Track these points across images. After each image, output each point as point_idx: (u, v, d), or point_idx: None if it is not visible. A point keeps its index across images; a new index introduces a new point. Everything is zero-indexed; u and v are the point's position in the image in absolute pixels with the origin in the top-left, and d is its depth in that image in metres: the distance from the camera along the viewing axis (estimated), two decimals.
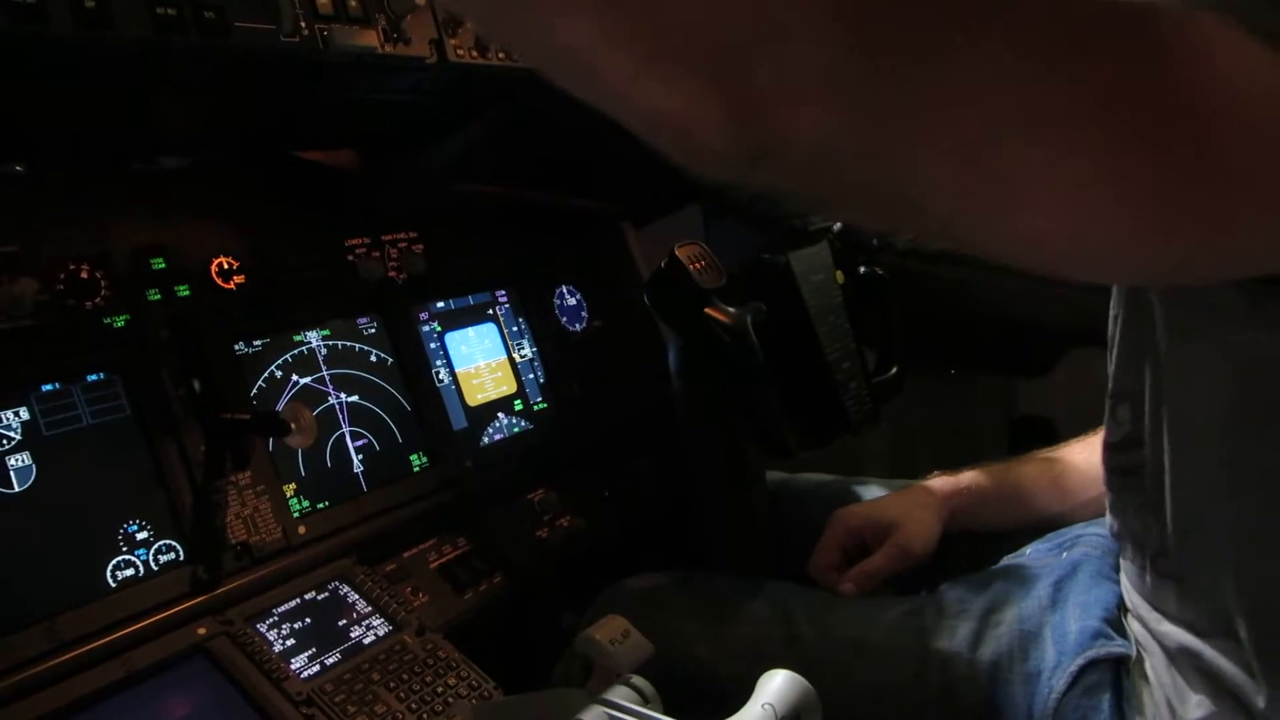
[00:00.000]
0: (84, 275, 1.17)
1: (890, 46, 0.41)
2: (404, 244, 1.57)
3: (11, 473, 1.08)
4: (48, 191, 1.22)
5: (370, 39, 1.12)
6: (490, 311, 1.73)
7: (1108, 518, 1.07)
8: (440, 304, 1.64)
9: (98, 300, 1.18)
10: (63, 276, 1.15)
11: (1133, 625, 1.05)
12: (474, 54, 1.25)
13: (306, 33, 1.05)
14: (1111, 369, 0.98)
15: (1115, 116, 0.42)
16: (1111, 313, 0.97)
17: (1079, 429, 1.44)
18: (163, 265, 1.25)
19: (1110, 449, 1.01)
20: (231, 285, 1.33)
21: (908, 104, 0.42)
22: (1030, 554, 1.31)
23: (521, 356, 1.76)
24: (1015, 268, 0.51)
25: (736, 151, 0.45)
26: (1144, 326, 0.88)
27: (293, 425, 1.18)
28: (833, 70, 0.41)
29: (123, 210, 1.27)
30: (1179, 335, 0.81)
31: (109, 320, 1.19)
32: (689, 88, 0.43)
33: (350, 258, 1.50)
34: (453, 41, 1.22)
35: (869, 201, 0.50)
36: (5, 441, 1.08)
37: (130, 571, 1.13)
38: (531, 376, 1.76)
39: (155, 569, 1.15)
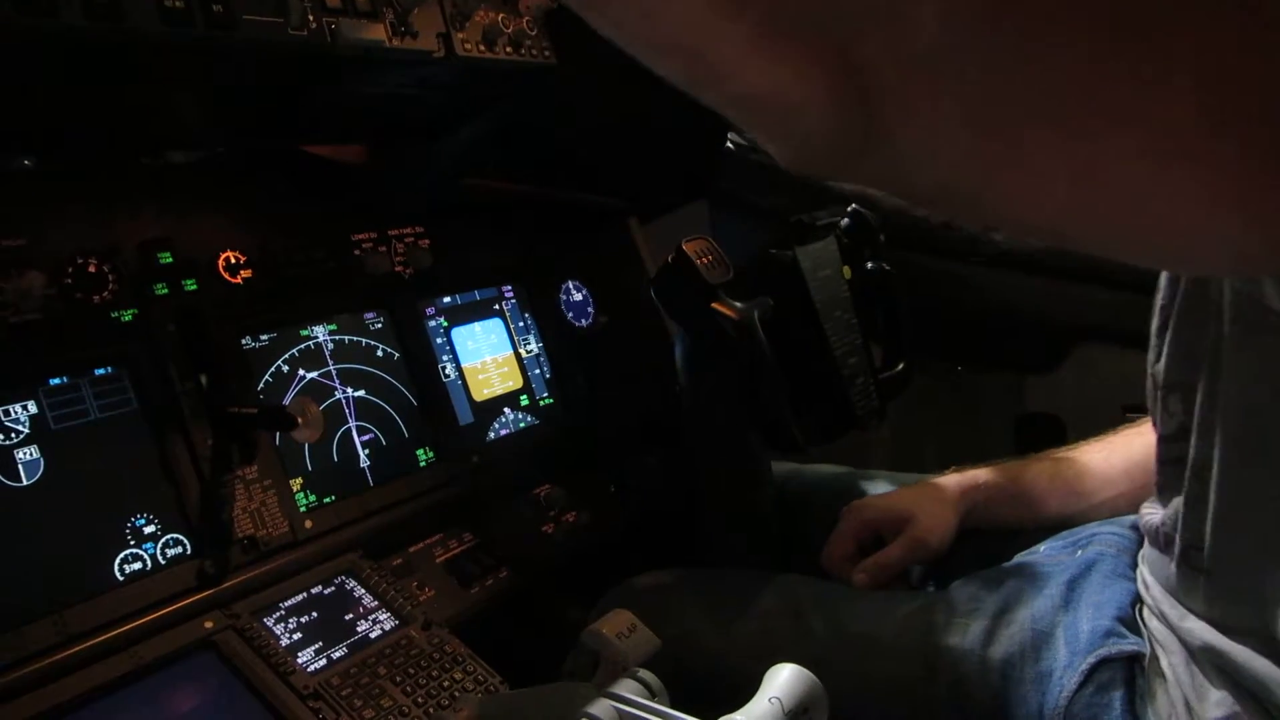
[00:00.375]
0: (92, 269, 1.17)
1: (1011, 22, 0.39)
2: (411, 239, 1.57)
3: (20, 466, 1.08)
4: (56, 185, 1.22)
5: (378, 32, 1.12)
6: (496, 307, 1.73)
7: (1148, 506, 1.07)
8: (447, 299, 1.64)
9: (105, 294, 1.18)
10: (70, 270, 1.15)
11: (1151, 622, 1.04)
12: (481, 48, 1.25)
13: (314, 26, 1.05)
14: (1162, 361, 0.97)
15: (1221, 105, 0.39)
16: (1158, 303, 0.96)
17: (1087, 425, 1.44)
18: (170, 259, 1.25)
19: (1164, 441, 1.00)
20: (239, 279, 1.33)
21: (1023, 88, 0.40)
22: (1044, 552, 1.30)
23: (528, 352, 1.75)
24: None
25: (842, 137, 0.44)
26: (1204, 318, 0.87)
27: (300, 419, 1.18)
28: (946, 46, 0.39)
29: (130, 204, 1.27)
30: (1243, 328, 0.81)
31: (117, 314, 1.20)
32: (798, 64, 0.42)
33: (357, 252, 1.50)
34: (460, 35, 1.22)
35: (971, 195, 0.48)
36: (13, 435, 1.08)
37: (138, 565, 1.14)
38: (538, 372, 1.76)
39: (162, 563, 1.16)
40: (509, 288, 1.77)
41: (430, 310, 1.61)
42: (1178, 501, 0.95)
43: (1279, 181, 0.40)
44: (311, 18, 1.05)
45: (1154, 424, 1.01)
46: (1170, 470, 0.97)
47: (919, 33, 0.39)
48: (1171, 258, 0.56)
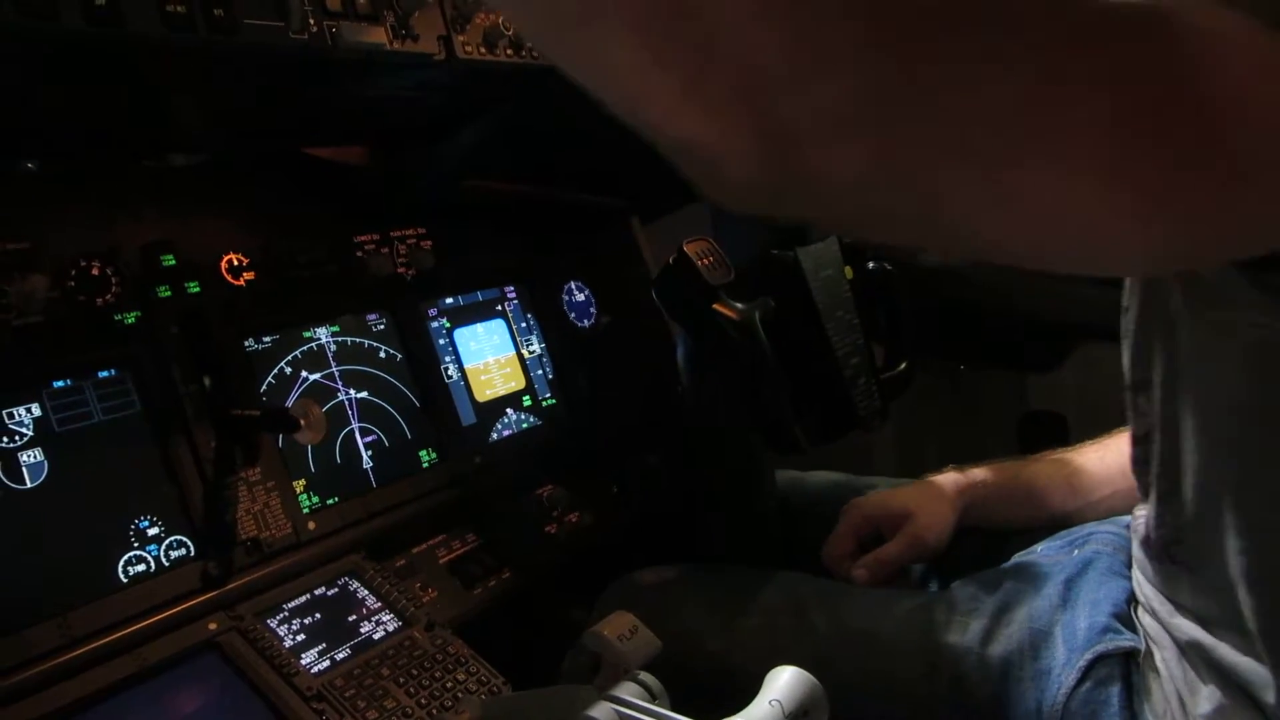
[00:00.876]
0: (95, 272, 1.18)
1: (915, 77, 0.42)
2: (413, 240, 1.57)
3: (24, 469, 1.08)
4: (59, 188, 1.23)
5: (379, 36, 1.12)
6: (499, 308, 1.74)
7: (1138, 509, 1.07)
8: (449, 300, 1.65)
9: (109, 297, 1.18)
10: (74, 273, 1.16)
11: (1144, 619, 1.05)
12: (482, 50, 1.25)
13: (315, 30, 1.05)
14: (1127, 361, 0.97)
15: (1128, 125, 0.44)
16: (1124, 304, 0.97)
17: (1090, 424, 1.44)
18: (173, 262, 1.26)
19: (1136, 442, 1.00)
20: (241, 282, 1.33)
21: (931, 132, 0.43)
22: (1042, 551, 1.31)
23: (530, 353, 1.76)
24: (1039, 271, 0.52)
25: (766, 184, 0.47)
26: (1158, 315, 0.88)
27: (302, 421, 1.18)
28: (862, 103, 0.43)
29: (133, 207, 1.27)
30: (1192, 321, 0.81)
31: (120, 317, 1.20)
32: (725, 118, 0.45)
33: (359, 254, 1.50)
34: (460, 38, 1.22)
35: (892, 224, 0.53)
36: (18, 438, 1.09)
37: (141, 567, 1.14)
38: (540, 373, 1.76)
39: (166, 565, 1.16)
40: (511, 288, 1.77)
41: (433, 311, 1.61)
42: (1154, 500, 0.96)
43: (1188, 190, 0.44)
44: (312, 21, 1.05)
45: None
46: (1145, 470, 0.98)
47: (836, 94, 0.43)
48: (1094, 264, 0.61)
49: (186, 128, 1.36)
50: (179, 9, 0.93)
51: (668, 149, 0.49)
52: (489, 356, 1.68)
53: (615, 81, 0.47)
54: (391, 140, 1.55)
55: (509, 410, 1.68)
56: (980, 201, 0.46)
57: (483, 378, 1.66)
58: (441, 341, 1.61)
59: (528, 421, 1.71)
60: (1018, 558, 1.33)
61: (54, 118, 1.17)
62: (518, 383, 1.72)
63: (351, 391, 1.44)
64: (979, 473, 1.45)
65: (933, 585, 1.47)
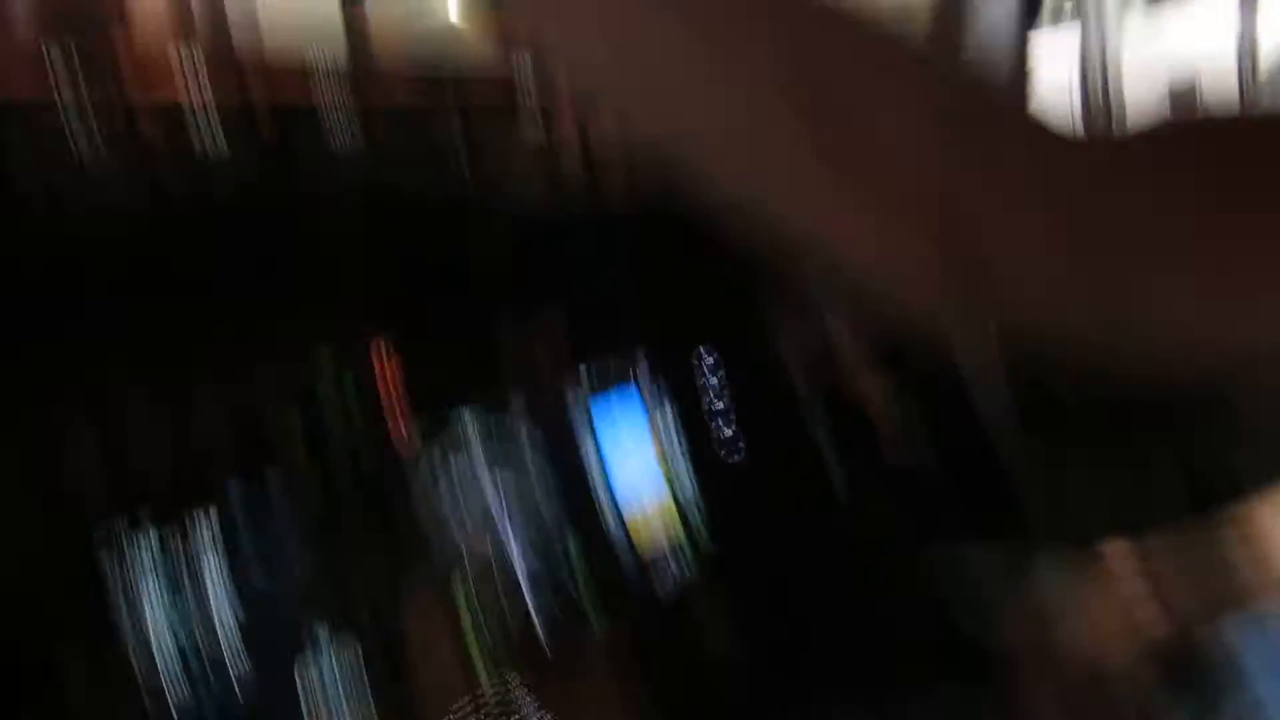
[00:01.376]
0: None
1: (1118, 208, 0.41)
2: (554, 332, 1.50)
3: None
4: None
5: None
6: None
7: None
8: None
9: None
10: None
11: None
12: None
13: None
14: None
15: None
16: None
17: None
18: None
19: None
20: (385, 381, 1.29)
21: (1143, 249, 0.41)
22: (1238, 635, 1.20)
23: (679, 489, 1.64)
24: None
25: (952, 307, 0.45)
26: None
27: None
28: (1069, 229, 0.41)
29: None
30: None
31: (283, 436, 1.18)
32: (915, 248, 0.43)
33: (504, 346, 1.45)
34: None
35: (1093, 337, 0.49)
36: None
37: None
38: (694, 509, 1.64)
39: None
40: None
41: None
42: None
43: None
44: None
45: None
46: None
47: (1043, 226, 0.41)
48: None
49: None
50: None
51: (831, 269, 0.47)
52: (642, 498, 1.58)
53: (782, 205, 0.45)
54: None
55: (670, 560, 1.59)
56: (1194, 304, 0.43)
57: (640, 524, 1.56)
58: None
59: (689, 570, 1.60)
60: (1213, 641, 1.21)
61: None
62: (674, 524, 1.62)
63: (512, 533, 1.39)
64: (1150, 546, 1.32)
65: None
